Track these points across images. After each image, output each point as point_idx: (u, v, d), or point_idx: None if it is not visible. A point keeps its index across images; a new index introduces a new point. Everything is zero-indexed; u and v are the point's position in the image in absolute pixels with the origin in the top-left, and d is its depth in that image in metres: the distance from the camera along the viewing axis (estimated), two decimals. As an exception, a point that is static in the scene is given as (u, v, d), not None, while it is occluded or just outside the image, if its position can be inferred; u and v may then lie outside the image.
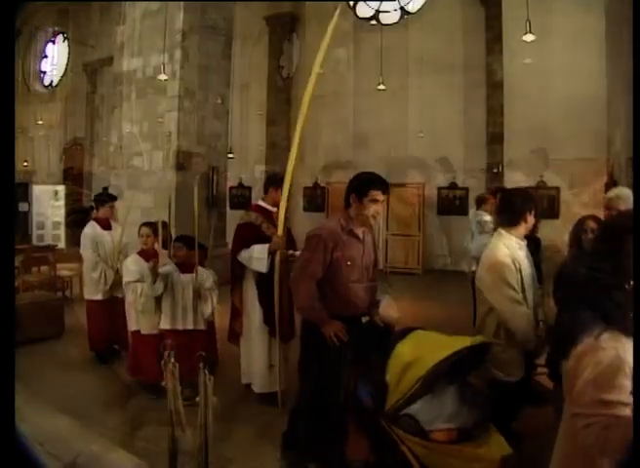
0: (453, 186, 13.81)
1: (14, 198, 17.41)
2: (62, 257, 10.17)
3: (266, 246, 4.41)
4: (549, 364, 3.60)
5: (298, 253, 4.81)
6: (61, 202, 16.22)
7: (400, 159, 14.21)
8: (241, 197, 16.38)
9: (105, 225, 6.09)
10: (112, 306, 5.86)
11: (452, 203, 13.84)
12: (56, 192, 16.28)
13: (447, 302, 9.26)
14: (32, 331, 6.39)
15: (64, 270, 9.64)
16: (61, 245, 15.00)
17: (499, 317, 3.38)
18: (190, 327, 4.73)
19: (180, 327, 4.70)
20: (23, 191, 19.67)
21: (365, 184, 3.33)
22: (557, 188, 11.95)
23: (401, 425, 2.81)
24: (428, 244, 13.52)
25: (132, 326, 5.12)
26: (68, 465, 2.70)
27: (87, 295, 6.07)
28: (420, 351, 2.85)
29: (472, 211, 7.29)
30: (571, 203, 11.54)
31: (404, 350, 2.93)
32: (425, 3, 14.54)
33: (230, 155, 12.75)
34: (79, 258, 9.67)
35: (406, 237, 13.04)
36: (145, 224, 5.21)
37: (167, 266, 4.79)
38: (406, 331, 3.15)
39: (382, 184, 3.35)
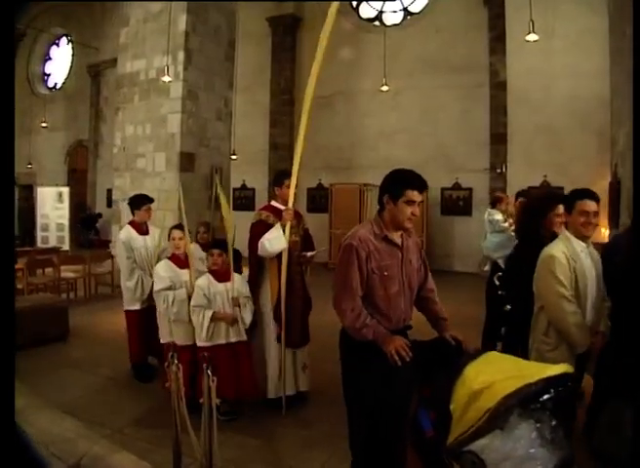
0: (456, 187, 13.81)
1: (13, 200, 17.48)
2: (67, 260, 10.20)
3: (278, 224, 4.49)
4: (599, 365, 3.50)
5: (309, 254, 4.88)
6: (66, 204, 16.23)
7: (403, 159, 14.21)
8: (245, 198, 16.42)
9: (142, 230, 5.69)
10: (151, 316, 5.21)
11: (455, 203, 13.84)
12: (60, 194, 16.28)
13: (451, 303, 9.22)
14: (37, 334, 6.41)
15: (69, 272, 9.68)
16: (66, 247, 15.02)
17: (547, 314, 3.30)
18: (233, 340, 4.43)
19: (223, 341, 4.38)
20: (28, 193, 19.76)
21: (400, 184, 2.94)
22: (561, 188, 11.92)
23: (463, 463, 2.47)
24: (432, 244, 13.50)
25: (165, 337, 4.73)
26: (73, 466, 2.71)
27: (125, 306, 5.63)
28: (491, 378, 2.48)
29: (487, 210, 7.28)
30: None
31: (472, 375, 2.55)
32: (428, 4, 14.57)
33: (233, 156, 12.77)
34: (83, 260, 9.76)
35: (409, 238, 12.98)
36: (177, 227, 4.84)
37: (203, 278, 4.48)
38: (478, 353, 2.79)
39: (419, 183, 2.94)
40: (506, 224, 6.50)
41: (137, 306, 5.51)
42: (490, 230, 6.78)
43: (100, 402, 4.82)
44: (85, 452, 2.82)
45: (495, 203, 7.10)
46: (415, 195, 2.90)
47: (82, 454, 2.80)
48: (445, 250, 13.81)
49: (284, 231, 4.45)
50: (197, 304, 4.35)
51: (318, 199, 15.52)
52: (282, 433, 4.21)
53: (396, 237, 3.03)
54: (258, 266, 4.68)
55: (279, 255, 4.50)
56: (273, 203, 4.82)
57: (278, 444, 4.03)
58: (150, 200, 5.82)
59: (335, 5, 4.29)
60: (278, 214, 4.62)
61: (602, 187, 10.42)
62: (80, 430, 3.12)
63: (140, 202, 5.75)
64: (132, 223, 5.74)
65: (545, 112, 11.84)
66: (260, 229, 4.54)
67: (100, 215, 19.04)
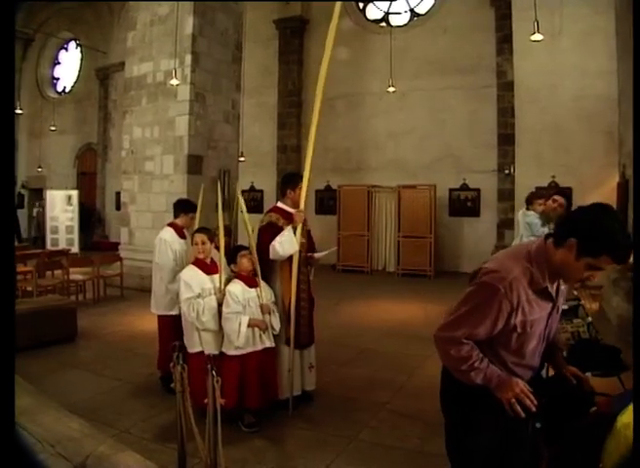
0: (464, 187, 13.78)
1: (14, 200, 17.61)
2: (76, 262, 10.28)
3: (289, 227, 4.45)
4: None
5: (317, 255, 4.87)
6: (75, 207, 16.36)
7: (411, 160, 14.22)
8: (253, 200, 16.43)
9: (182, 233, 5.45)
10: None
11: (463, 204, 13.80)
12: (69, 197, 16.42)
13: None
14: (45, 335, 6.49)
15: (78, 274, 9.75)
16: (75, 249, 15.13)
17: None
18: (268, 344, 4.37)
19: (258, 347, 4.30)
20: (37, 196, 19.92)
21: (603, 242, 2.02)
22: (569, 189, 11.87)
23: None
24: (440, 245, 13.47)
25: (193, 347, 4.45)
26: (79, 466, 2.72)
27: (161, 310, 5.27)
28: None
29: (521, 211, 6.65)
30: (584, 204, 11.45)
31: (629, 431, 1.95)
32: (435, 5, 14.55)
33: (241, 158, 12.81)
34: (92, 263, 9.82)
35: (417, 239, 12.99)
36: (200, 230, 4.65)
37: (236, 285, 4.35)
38: (625, 397, 2.20)
39: (624, 255, 2.05)
40: (545, 229, 5.76)
41: (175, 311, 5.09)
42: (527, 234, 6.20)
43: (106, 402, 4.85)
44: (91, 452, 2.82)
45: (529, 202, 6.54)
46: (609, 262, 2.06)
47: (88, 454, 2.80)
48: (453, 251, 13.77)
49: (295, 233, 4.42)
50: (233, 311, 4.20)
51: (326, 201, 15.50)
52: (287, 433, 4.21)
53: (553, 288, 2.28)
54: (268, 268, 4.62)
55: (289, 258, 4.48)
56: (281, 205, 4.78)
57: (284, 444, 4.04)
58: (195, 209, 5.59)
59: (338, 4, 4.27)
60: (286, 216, 4.61)
61: (610, 188, 10.37)
62: (86, 430, 3.12)
63: (189, 207, 5.56)
64: (173, 225, 5.50)
65: (553, 112, 11.79)
66: (270, 232, 4.50)
67: (91, 209, 19.10)
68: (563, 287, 2.34)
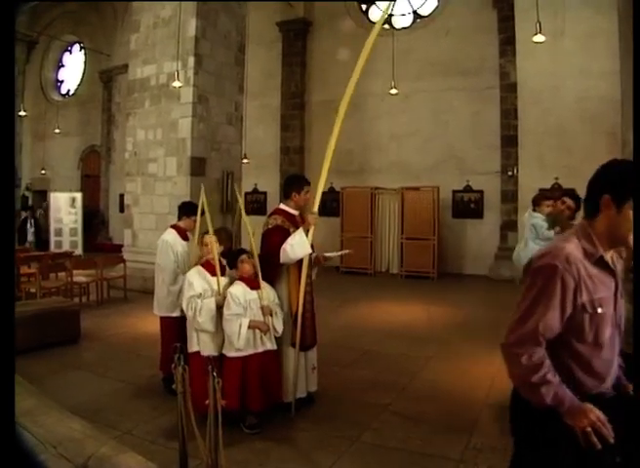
0: (467, 189, 13.77)
1: (14, 202, 17.55)
2: (79, 264, 10.30)
3: (300, 229, 4.41)
4: None
5: (327, 255, 4.81)
6: (79, 209, 16.37)
7: (414, 162, 14.21)
8: (256, 202, 16.45)
9: (185, 236, 5.46)
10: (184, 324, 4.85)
11: (466, 206, 13.79)
12: (73, 199, 16.44)
13: (462, 306, 9.23)
14: (49, 336, 6.51)
15: (81, 276, 9.76)
16: (78, 251, 15.15)
17: None
18: (269, 346, 4.36)
19: (259, 349, 4.29)
20: (41, 198, 19.96)
21: (629, 181, 1.97)
22: (573, 190, 11.82)
23: None
24: (443, 247, 13.46)
25: (193, 348, 4.49)
26: (80, 467, 2.73)
27: (163, 312, 5.26)
28: None
29: (527, 212, 6.39)
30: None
31: None
32: (438, 6, 14.57)
33: (245, 160, 12.82)
34: (96, 265, 9.83)
35: (420, 240, 12.98)
36: (209, 233, 4.64)
37: (237, 286, 4.36)
38: None
39: None
40: (552, 233, 5.63)
41: (176, 313, 5.11)
42: (532, 236, 6.03)
43: (109, 403, 4.85)
44: (92, 453, 2.83)
45: (536, 203, 6.33)
46: None
47: (89, 455, 2.81)
48: (456, 252, 13.76)
49: (307, 236, 4.38)
50: (234, 313, 4.20)
51: (329, 203, 15.45)
52: (289, 435, 4.21)
53: (609, 258, 2.12)
54: (276, 272, 4.59)
55: (298, 261, 4.43)
56: (284, 207, 4.74)
57: (285, 446, 4.03)
58: (201, 213, 5.39)
59: (377, 26, 4.23)
60: (290, 218, 4.60)
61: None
62: (88, 431, 3.13)
63: (192, 210, 5.48)
64: (175, 227, 5.51)
65: (556, 114, 11.78)
66: (278, 235, 4.46)
67: (94, 211, 19.12)
68: (619, 265, 2.19)
